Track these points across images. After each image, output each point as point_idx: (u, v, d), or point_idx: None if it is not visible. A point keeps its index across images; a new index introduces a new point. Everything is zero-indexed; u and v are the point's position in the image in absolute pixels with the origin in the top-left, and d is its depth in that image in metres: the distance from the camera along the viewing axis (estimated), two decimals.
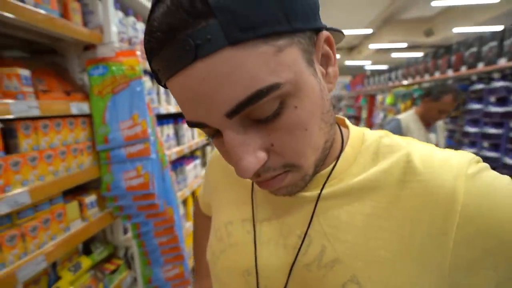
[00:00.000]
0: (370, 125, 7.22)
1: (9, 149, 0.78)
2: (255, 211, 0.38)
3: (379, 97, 6.53)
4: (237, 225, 0.39)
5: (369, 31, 8.19)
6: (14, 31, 0.96)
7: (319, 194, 0.33)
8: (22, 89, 0.77)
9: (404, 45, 9.35)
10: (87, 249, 1.18)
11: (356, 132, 0.36)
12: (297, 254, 0.33)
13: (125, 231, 1.24)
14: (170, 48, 0.23)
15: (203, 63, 0.22)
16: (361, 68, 15.69)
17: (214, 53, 0.22)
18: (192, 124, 0.27)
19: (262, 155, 0.26)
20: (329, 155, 0.34)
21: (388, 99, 5.73)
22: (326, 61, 0.30)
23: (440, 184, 0.28)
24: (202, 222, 0.64)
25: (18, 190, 0.73)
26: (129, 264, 1.31)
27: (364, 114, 7.63)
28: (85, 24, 1.06)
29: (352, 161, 0.34)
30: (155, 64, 0.26)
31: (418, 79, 4.69)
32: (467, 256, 0.27)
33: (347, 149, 0.35)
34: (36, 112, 0.78)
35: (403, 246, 0.28)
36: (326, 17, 8.26)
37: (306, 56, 0.26)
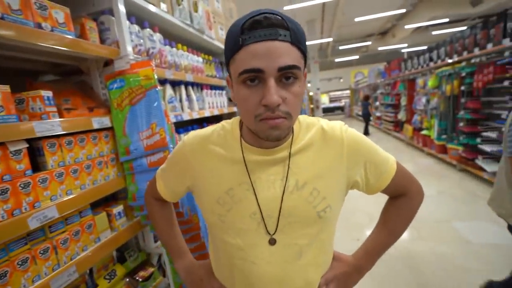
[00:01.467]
0: (411, 112, 6.62)
1: (39, 166, 0.82)
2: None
3: (419, 81, 5.96)
4: (237, 188, 0.59)
5: (402, 11, 7.54)
6: (43, 57, 1.03)
7: (289, 153, 0.59)
8: (46, 109, 0.81)
9: (445, 20, 8.43)
10: (121, 257, 1.23)
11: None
12: (284, 188, 0.58)
13: (156, 239, 1.27)
14: (266, 31, 0.47)
15: (279, 42, 0.47)
16: (396, 52, 14.53)
17: (284, 41, 0.48)
18: (251, 70, 0.48)
19: (280, 99, 0.49)
20: (289, 133, 0.59)
21: (431, 82, 5.19)
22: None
23: (336, 136, 0.61)
24: (160, 210, 0.78)
25: (47, 205, 0.77)
26: (163, 271, 1.33)
27: (403, 101, 7.02)
28: (103, 41, 1.10)
29: (298, 133, 0.61)
30: (248, 34, 0.48)
31: (465, 55, 4.16)
32: (350, 162, 0.61)
33: (294, 127, 0.62)
34: (59, 130, 0.81)
35: (328, 167, 0.60)
36: (357, 2, 7.78)
37: (303, 69, 0.53)
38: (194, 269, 0.76)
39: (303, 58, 0.53)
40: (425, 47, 5.71)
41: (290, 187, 0.58)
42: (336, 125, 0.63)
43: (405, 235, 2.59)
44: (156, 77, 1.04)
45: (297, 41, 0.49)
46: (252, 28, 0.47)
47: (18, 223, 0.70)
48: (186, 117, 1.55)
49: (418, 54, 5.97)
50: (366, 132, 8.49)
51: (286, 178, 0.58)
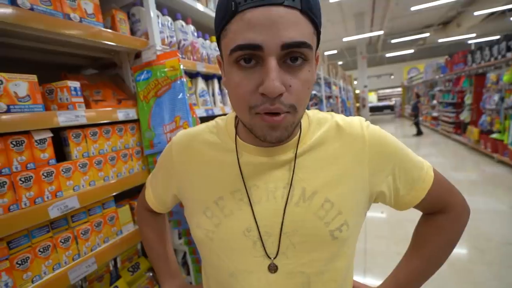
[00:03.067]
0: (478, 112, 5.73)
1: (64, 156, 0.83)
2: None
3: (491, 76, 5.11)
4: (227, 198, 0.48)
5: None
6: (78, 50, 1.07)
7: (295, 155, 0.47)
8: (72, 100, 0.81)
9: None
10: None
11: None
12: (287, 198, 0.46)
13: (180, 235, 1.24)
14: None
15: (285, 8, 0.36)
16: (460, 44, 12.85)
17: (292, 8, 0.36)
18: (246, 46, 0.36)
19: (283, 87, 0.37)
20: (295, 129, 0.46)
21: (507, 76, 4.40)
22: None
23: (355, 133, 0.49)
24: (150, 223, 0.69)
25: (69, 195, 0.77)
26: (187, 268, 1.31)
27: (468, 99, 6.14)
28: (134, 32, 1.10)
29: (306, 129, 0.50)
30: None
31: None
32: (374, 166, 0.48)
33: (303, 123, 0.51)
34: (83, 121, 0.81)
35: (344, 172, 0.47)
36: None
37: (315, 49, 0.42)
38: None
39: (316, 35, 0.41)
40: (498, 36, 4.87)
41: (295, 197, 0.46)
42: (355, 120, 0.50)
43: (465, 256, 2.22)
44: (182, 68, 1.00)
45: (309, 9, 0.37)
46: None
47: (39, 211, 0.70)
48: (217, 111, 1.50)
49: (491, 44, 5.12)
50: (419, 131, 7.83)
51: (291, 185, 0.46)
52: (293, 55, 0.37)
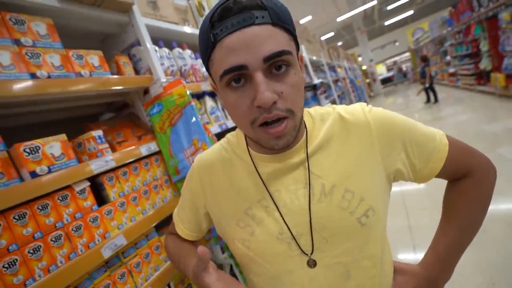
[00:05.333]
0: (498, 56, 5.36)
1: (103, 199, 0.90)
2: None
3: (503, 15, 4.78)
4: (255, 207, 0.51)
5: None
6: (95, 100, 1.15)
7: (307, 155, 0.49)
8: (99, 147, 0.88)
9: None
10: None
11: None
12: (309, 197, 0.48)
13: (223, 251, 1.28)
14: (239, 17, 0.38)
15: (257, 27, 0.39)
16: None
17: (263, 24, 0.39)
18: (232, 69, 0.39)
19: (275, 96, 0.40)
20: (300, 131, 0.49)
21: None
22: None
23: (359, 121, 0.51)
24: (179, 243, 0.66)
25: (115, 234, 0.83)
26: (236, 279, 1.35)
27: (484, 47, 5.77)
28: (137, 71, 1.17)
29: (312, 128, 0.52)
30: (219, 27, 0.39)
31: None
32: (385, 147, 0.50)
33: (307, 122, 0.53)
34: (112, 164, 0.88)
35: (358, 160, 0.49)
36: None
37: (295, 53, 0.44)
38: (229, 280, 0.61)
39: (293, 40, 0.44)
40: None
41: (316, 195, 0.48)
42: (357, 108, 0.52)
43: None
44: (189, 93, 1.05)
45: (280, 20, 0.40)
46: (221, 18, 0.39)
47: (94, 255, 0.77)
48: (230, 124, 1.54)
49: None
50: (435, 98, 7.15)
51: (309, 184, 0.48)
52: (276, 64, 0.40)
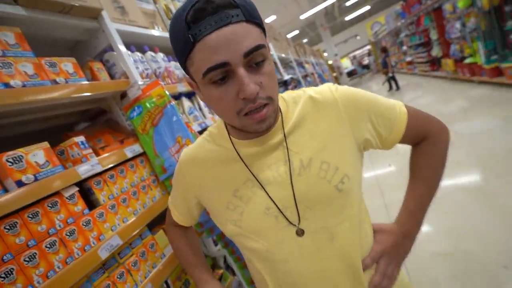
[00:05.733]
0: (446, 44, 5.89)
1: (93, 204, 0.91)
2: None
3: (446, 7, 5.27)
4: (242, 188, 0.55)
5: None
6: (70, 109, 1.14)
7: (284, 134, 0.55)
8: (83, 153, 0.88)
9: None
10: None
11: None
12: (290, 172, 0.53)
13: (216, 243, 1.32)
14: (215, 17, 0.41)
15: (234, 25, 0.42)
16: None
17: (238, 22, 0.42)
18: (216, 67, 0.42)
19: (257, 87, 0.45)
20: (276, 114, 0.54)
21: (461, 2, 4.55)
22: None
23: (327, 99, 0.56)
24: (181, 238, 0.75)
25: (110, 236, 0.85)
26: (231, 270, 1.39)
27: (433, 35, 6.30)
28: (112, 76, 1.17)
29: (286, 111, 0.57)
30: (197, 27, 0.42)
31: None
32: (353, 120, 0.56)
33: (281, 106, 0.58)
34: (99, 168, 0.89)
35: (330, 134, 0.55)
36: None
37: (267, 45, 0.48)
38: None
39: (263, 32, 0.48)
40: None
41: (296, 169, 0.53)
42: (325, 88, 0.58)
43: (474, 174, 2.34)
44: (168, 93, 1.08)
45: (251, 16, 0.44)
46: (197, 19, 0.41)
47: (91, 257, 0.77)
48: (209, 122, 1.58)
49: None
50: (397, 86, 7.65)
51: (289, 160, 0.53)
52: (255, 58, 0.44)
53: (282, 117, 0.56)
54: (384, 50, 7.89)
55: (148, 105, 1.07)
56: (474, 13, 4.37)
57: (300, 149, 0.54)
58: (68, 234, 0.76)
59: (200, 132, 1.33)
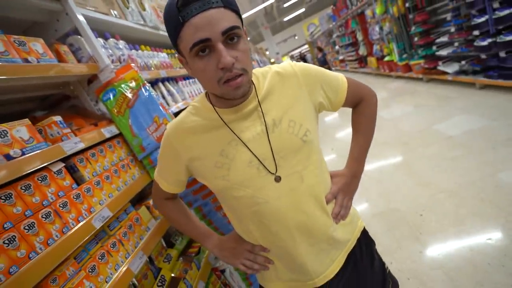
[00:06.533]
0: (370, 44, 6.85)
1: (78, 181, 0.93)
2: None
3: (368, 12, 6.13)
4: (227, 148, 0.66)
5: None
6: (28, 93, 1.09)
7: (258, 101, 0.67)
8: (63, 131, 0.90)
9: None
10: (169, 243, 1.37)
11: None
12: (266, 130, 0.65)
13: None
14: (199, 3, 0.52)
15: (214, 9, 0.52)
16: None
17: (218, 7, 0.53)
18: (200, 42, 0.53)
19: (232, 59, 0.54)
20: (250, 86, 0.66)
21: (378, 9, 5.38)
22: None
23: (289, 72, 0.70)
24: (173, 208, 0.84)
25: (100, 208, 0.89)
26: None
27: (359, 37, 7.24)
28: (79, 60, 1.16)
29: (258, 83, 0.69)
30: (185, 11, 0.52)
31: None
32: (309, 88, 0.70)
33: (254, 80, 0.69)
34: (81, 145, 0.91)
35: (293, 99, 0.68)
36: None
37: (242, 28, 0.58)
38: (223, 243, 0.81)
39: (239, 18, 0.58)
40: None
41: (270, 127, 0.65)
42: (286, 64, 0.72)
43: (397, 150, 2.90)
44: (141, 76, 1.13)
45: (228, 3, 0.54)
46: (186, 4, 0.52)
47: (86, 226, 0.81)
48: (174, 110, 1.64)
49: None
50: None
51: (265, 121, 0.65)
52: (231, 36, 0.54)
53: (255, 88, 0.68)
54: (320, 49, 8.73)
55: (122, 87, 1.11)
56: (388, 18, 5.23)
57: (271, 111, 0.66)
58: (61, 206, 0.78)
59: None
